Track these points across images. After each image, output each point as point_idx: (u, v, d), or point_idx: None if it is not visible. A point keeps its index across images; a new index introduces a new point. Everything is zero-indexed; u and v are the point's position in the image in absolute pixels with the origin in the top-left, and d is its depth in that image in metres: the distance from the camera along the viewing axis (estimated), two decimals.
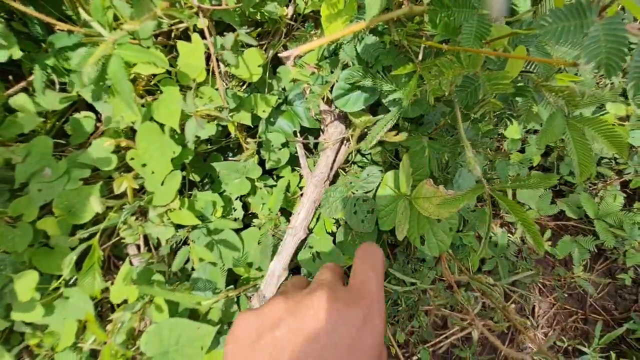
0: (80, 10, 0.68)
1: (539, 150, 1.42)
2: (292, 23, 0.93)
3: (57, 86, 0.80)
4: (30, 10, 0.69)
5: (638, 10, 0.51)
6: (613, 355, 1.29)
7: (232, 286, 0.81)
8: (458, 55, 0.56)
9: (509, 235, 1.40)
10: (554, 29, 0.39)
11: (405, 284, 0.95)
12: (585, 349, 1.32)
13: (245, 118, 0.83)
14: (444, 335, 1.31)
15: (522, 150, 1.41)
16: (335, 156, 0.91)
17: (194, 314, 0.77)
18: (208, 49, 0.73)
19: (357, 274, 0.34)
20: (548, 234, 1.41)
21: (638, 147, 1.44)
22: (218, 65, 0.75)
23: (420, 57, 0.66)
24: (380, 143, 0.91)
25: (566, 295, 1.52)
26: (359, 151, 0.99)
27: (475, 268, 1.19)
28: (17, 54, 0.71)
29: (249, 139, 0.87)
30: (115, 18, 0.73)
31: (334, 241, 0.92)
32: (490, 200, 0.52)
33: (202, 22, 0.68)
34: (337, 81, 0.77)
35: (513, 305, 1.38)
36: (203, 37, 0.72)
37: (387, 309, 1.06)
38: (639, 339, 1.44)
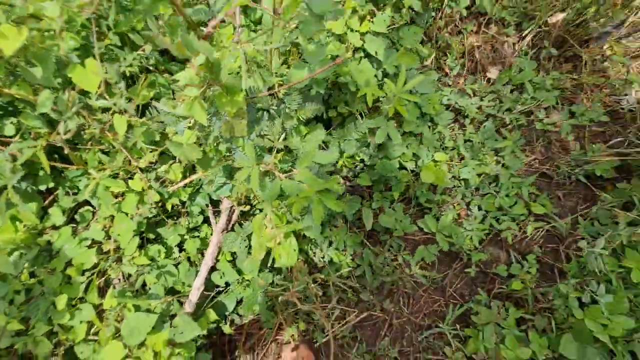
0: None
1: None
2: None
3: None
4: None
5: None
6: None
7: (171, 295, 1.47)
8: None
9: None
10: None
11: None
12: None
13: (174, 201, 1.52)
14: None
15: None
16: (229, 216, 1.59)
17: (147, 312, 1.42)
18: None
19: None
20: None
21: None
22: None
23: None
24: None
25: None
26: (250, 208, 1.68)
27: None
28: None
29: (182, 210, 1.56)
30: None
31: (233, 265, 1.58)
32: None
33: None
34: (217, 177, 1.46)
35: None
36: None
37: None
38: None
